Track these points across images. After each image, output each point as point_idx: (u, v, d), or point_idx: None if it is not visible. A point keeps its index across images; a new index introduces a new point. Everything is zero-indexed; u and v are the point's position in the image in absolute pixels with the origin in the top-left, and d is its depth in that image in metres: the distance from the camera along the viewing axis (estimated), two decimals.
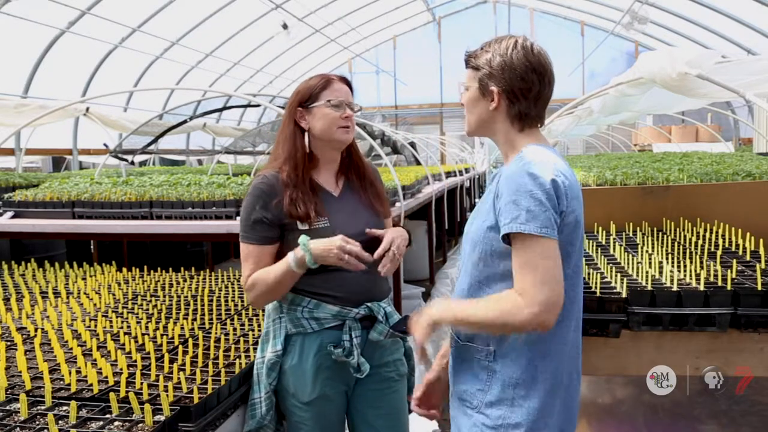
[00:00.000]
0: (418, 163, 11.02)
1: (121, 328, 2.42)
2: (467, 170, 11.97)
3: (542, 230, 1.48)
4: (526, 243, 1.49)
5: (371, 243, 2.02)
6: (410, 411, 2.18)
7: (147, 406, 1.64)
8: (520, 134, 1.65)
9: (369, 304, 1.99)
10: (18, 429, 1.59)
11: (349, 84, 2.06)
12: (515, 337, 1.58)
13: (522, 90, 1.60)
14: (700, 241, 2.92)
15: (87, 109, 7.43)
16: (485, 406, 1.60)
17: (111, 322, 2.49)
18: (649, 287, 2.27)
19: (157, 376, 1.89)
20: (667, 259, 2.63)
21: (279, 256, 1.97)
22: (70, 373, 1.85)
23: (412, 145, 11.44)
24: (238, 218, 2.29)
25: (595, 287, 2.30)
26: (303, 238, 1.88)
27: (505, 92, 1.61)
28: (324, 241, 1.88)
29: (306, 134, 2.01)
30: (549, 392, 1.57)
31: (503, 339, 1.59)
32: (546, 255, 1.48)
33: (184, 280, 3.28)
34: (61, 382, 1.86)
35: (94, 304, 2.78)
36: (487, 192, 1.69)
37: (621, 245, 2.95)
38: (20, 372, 1.90)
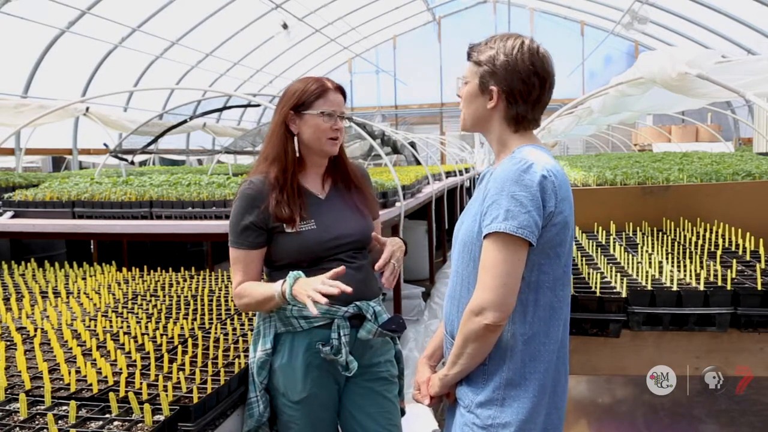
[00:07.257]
0: (418, 162, 11.02)
1: (121, 328, 2.42)
2: (467, 170, 11.97)
3: (518, 230, 1.48)
4: (499, 241, 1.50)
5: (362, 246, 2.07)
6: (403, 413, 2.17)
7: (147, 406, 1.64)
8: (513, 135, 1.65)
9: (358, 303, 1.99)
10: (18, 429, 1.59)
11: (344, 93, 2.06)
12: (507, 339, 1.58)
13: (522, 92, 1.59)
14: (700, 241, 2.92)
15: (87, 109, 7.43)
16: (475, 406, 1.60)
17: (111, 322, 2.48)
18: (649, 287, 2.26)
19: (157, 375, 1.89)
20: (667, 259, 2.63)
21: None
22: (69, 373, 1.85)
23: (412, 145, 11.44)
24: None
25: (595, 287, 2.30)
26: (295, 273, 1.86)
27: (504, 93, 1.60)
28: (304, 282, 1.83)
29: (295, 138, 2.02)
30: (538, 392, 1.58)
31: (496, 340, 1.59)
32: (514, 257, 1.50)
33: (184, 280, 3.28)
34: (61, 382, 1.86)
35: (94, 304, 2.78)
36: (477, 192, 1.69)
37: (621, 245, 2.94)
38: (20, 372, 1.90)
